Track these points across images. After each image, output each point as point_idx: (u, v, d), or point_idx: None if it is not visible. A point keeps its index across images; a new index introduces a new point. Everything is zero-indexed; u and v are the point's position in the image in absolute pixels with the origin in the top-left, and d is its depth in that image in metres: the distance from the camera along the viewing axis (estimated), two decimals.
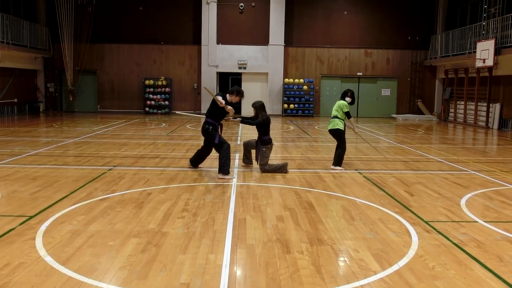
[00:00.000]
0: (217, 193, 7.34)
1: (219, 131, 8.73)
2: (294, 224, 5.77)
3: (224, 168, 8.41)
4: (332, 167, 9.67)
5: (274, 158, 11.16)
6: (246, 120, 9.33)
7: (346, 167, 9.79)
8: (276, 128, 18.86)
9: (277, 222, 5.82)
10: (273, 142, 9.41)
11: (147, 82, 25.74)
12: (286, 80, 25.81)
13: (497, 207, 6.76)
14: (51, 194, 7.04)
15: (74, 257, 4.55)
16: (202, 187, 7.76)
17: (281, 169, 9.07)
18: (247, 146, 9.62)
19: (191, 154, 11.27)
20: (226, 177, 8.37)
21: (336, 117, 9.76)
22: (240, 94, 8.80)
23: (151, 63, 26.17)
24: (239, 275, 4.27)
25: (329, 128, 9.94)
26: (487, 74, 20.34)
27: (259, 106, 9.32)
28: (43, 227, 5.42)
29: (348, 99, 9.81)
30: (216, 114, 8.64)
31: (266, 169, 9.03)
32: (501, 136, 17.32)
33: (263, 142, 9.14)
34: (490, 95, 20.45)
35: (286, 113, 25.76)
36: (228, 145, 8.58)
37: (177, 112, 15.40)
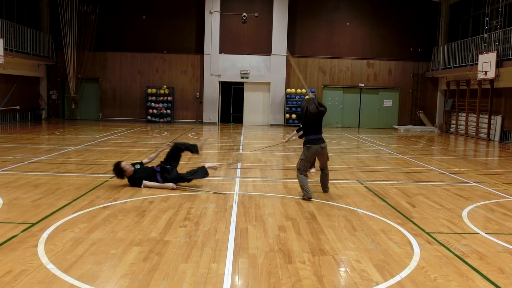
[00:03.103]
0: (219, 202, 7.34)
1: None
2: (296, 234, 5.77)
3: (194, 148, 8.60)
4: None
5: (276, 168, 11.18)
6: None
7: (348, 177, 9.81)
8: (277, 138, 18.88)
9: (279, 232, 5.83)
10: (314, 145, 7.80)
11: (149, 90, 25.82)
12: (288, 90, 25.87)
13: (498, 219, 6.75)
14: (53, 201, 7.05)
15: (76, 265, 4.55)
16: (204, 196, 7.77)
17: (305, 193, 7.71)
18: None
19: (193, 163, 11.30)
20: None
21: None
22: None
23: (154, 72, 26.27)
24: (241, 285, 4.27)
25: None
26: (488, 86, 20.39)
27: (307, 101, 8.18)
28: (45, 235, 5.43)
29: None
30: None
31: (297, 174, 7.93)
32: (503, 148, 17.32)
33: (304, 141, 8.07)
34: (491, 107, 20.47)
35: (288, 123, 25.80)
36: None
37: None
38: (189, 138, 17.56)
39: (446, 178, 10.15)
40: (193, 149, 8.90)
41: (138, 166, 8.43)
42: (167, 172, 8.32)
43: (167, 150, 8.80)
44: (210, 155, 13.76)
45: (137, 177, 8.20)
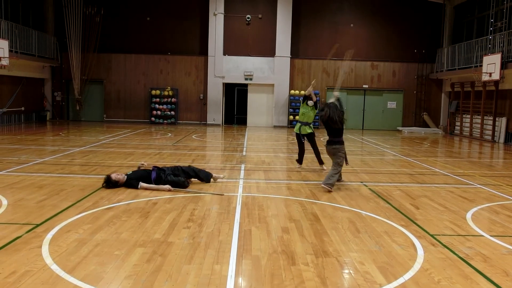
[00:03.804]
0: (222, 203, 7.35)
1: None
2: (299, 235, 5.77)
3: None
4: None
5: (280, 169, 11.19)
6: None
7: (352, 179, 9.79)
8: (281, 140, 18.88)
9: (282, 234, 5.82)
10: (328, 146, 8.94)
11: (153, 92, 25.86)
12: (292, 91, 25.87)
13: (503, 221, 6.73)
14: (58, 202, 7.08)
15: (80, 265, 4.57)
16: (208, 197, 7.77)
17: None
18: None
19: (196, 164, 11.33)
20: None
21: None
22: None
23: (158, 73, 26.32)
24: (244, 286, 4.27)
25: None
26: (493, 88, 20.33)
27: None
28: (49, 236, 5.45)
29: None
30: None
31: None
32: (507, 150, 17.26)
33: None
34: (496, 109, 20.41)
35: (291, 125, 25.77)
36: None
37: None
38: (193, 139, 17.58)
39: (450, 180, 10.13)
40: (204, 178, 8.93)
41: (130, 172, 8.52)
42: (162, 172, 8.42)
43: (144, 168, 8.86)
44: (214, 156, 13.79)
45: (132, 178, 8.26)
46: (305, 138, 11.05)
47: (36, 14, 24.78)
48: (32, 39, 22.80)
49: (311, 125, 11.14)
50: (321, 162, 11.03)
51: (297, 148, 11.39)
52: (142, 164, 9.00)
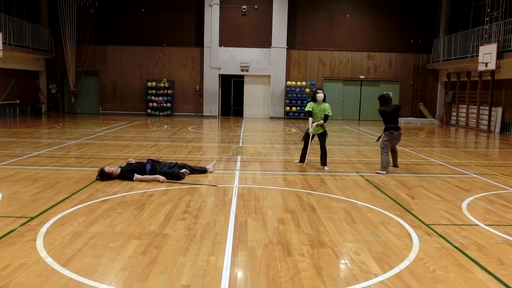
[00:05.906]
0: (218, 195, 7.34)
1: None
2: (295, 226, 5.77)
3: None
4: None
5: (276, 160, 11.17)
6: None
7: (348, 170, 9.79)
8: (278, 131, 18.86)
9: (278, 225, 5.82)
10: (395, 132, 9.79)
11: (149, 84, 25.75)
12: (289, 82, 25.81)
13: (498, 210, 6.74)
14: (52, 195, 7.05)
15: (75, 258, 4.55)
16: (204, 189, 7.76)
17: (382, 169, 9.55)
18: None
19: (193, 156, 11.32)
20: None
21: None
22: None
23: (154, 65, 26.19)
24: (240, 277, 4.27)
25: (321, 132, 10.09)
26: (489, 78, 20.32)
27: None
28: (44, 229, 5.43)
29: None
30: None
31: (381, 153, 9.70)
32: (503, 140, 17.29)
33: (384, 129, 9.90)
34: (492, 99, 20.41)
35: (288, 116, 25.76)
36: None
37: None
38: (189, 131, 17.53)
39: (446, 170, 10.14)
40: (200, 170, 9.12)
41: (124, 164, 8.56)
42: (158, 164, 8.52)
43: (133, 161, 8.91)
44: (210, 148, 13.77)
45: (127, 170, 8.27)
46: (317, 136, 10.06)
47: (30, 6, 24.56)
48: (26, 31, 22.62)
49: (324, 125, 9.94)
50: (323, 163, 9.97)
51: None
52: (129, 161, 8.92)
